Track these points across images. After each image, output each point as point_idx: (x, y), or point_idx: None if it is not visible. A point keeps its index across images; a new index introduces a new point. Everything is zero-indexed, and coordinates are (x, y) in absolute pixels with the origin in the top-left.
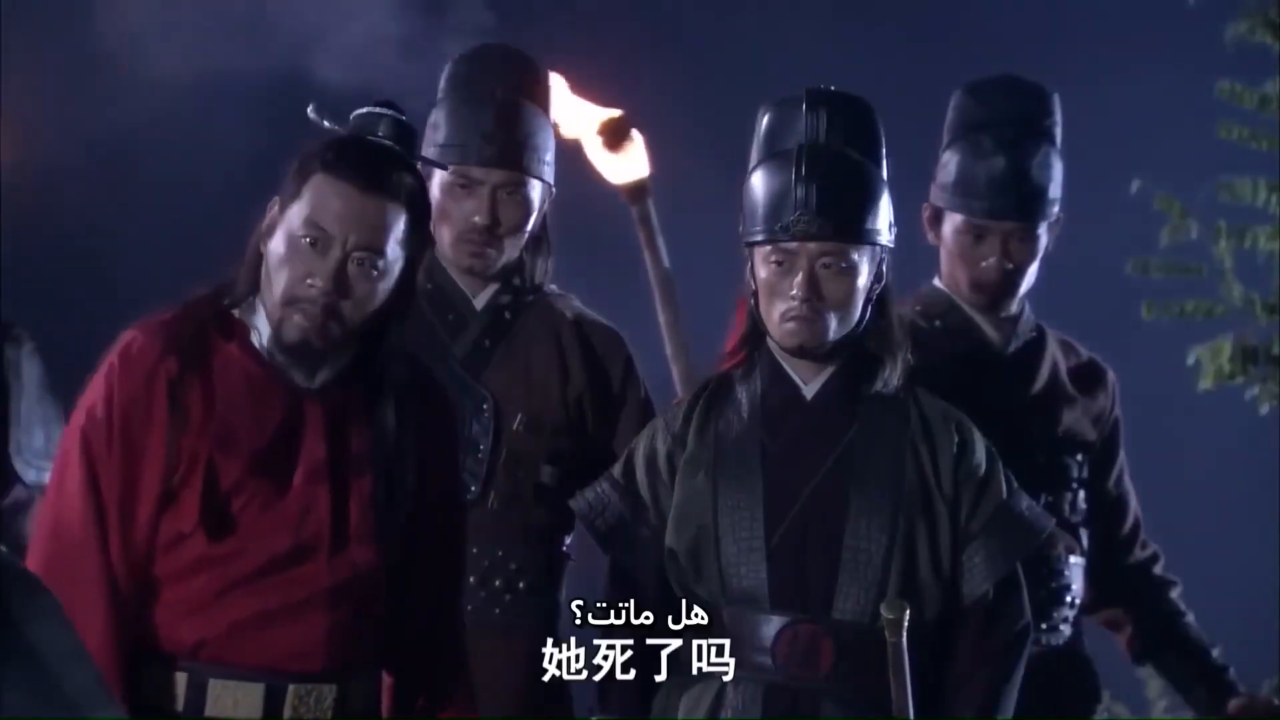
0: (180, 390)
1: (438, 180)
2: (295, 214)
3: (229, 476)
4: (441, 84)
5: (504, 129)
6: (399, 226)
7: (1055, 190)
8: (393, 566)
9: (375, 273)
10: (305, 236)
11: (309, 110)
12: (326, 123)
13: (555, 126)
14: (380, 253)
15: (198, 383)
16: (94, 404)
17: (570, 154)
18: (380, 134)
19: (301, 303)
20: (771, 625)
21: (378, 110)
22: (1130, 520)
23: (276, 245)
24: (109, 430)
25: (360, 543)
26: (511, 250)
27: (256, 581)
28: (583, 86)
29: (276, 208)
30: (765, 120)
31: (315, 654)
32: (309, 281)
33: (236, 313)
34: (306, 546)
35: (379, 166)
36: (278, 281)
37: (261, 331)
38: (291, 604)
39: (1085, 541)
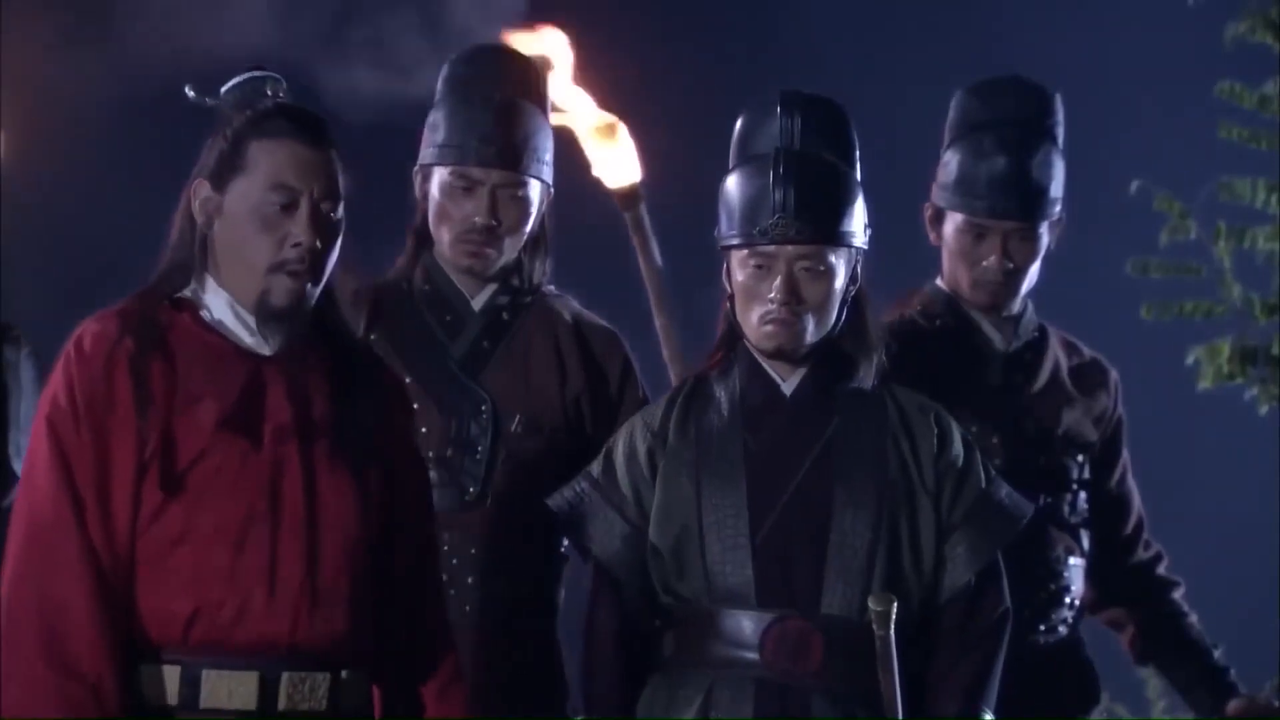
0: (141, 366)
1: (436, 181)
2: (249, 186)
3: (199, 441)
4: (440, 85)
5: (503, 130)
6: (341, 176)
7: (1056, 190)
8: (369, 536)
9: (336, 220)
10: (272, 203)
11: (186, 89)
12: (208, 99)
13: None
14: (338, 200)
15: (158, 356)
16: (56, 393)
17: (569, 154)
18: (278, 95)
19: (289, 264)
20: (759, 622)
21: (260, 75)
22: (1133, 520)
23: (236, 221)
24: (74, 416)
25: (334, 501)
26: (510, 251)
27: (237, 544)
28: (578, 84)
29: (208, 189)
30: (740, 124)
31: (302, 615)
32: (291, 242)
33: (185, 294)
34: (282, 506)
35: (313, 122)
36: (254, 253)
37: (212, 308)
38: (274, 563)
39: (1085, 543)
